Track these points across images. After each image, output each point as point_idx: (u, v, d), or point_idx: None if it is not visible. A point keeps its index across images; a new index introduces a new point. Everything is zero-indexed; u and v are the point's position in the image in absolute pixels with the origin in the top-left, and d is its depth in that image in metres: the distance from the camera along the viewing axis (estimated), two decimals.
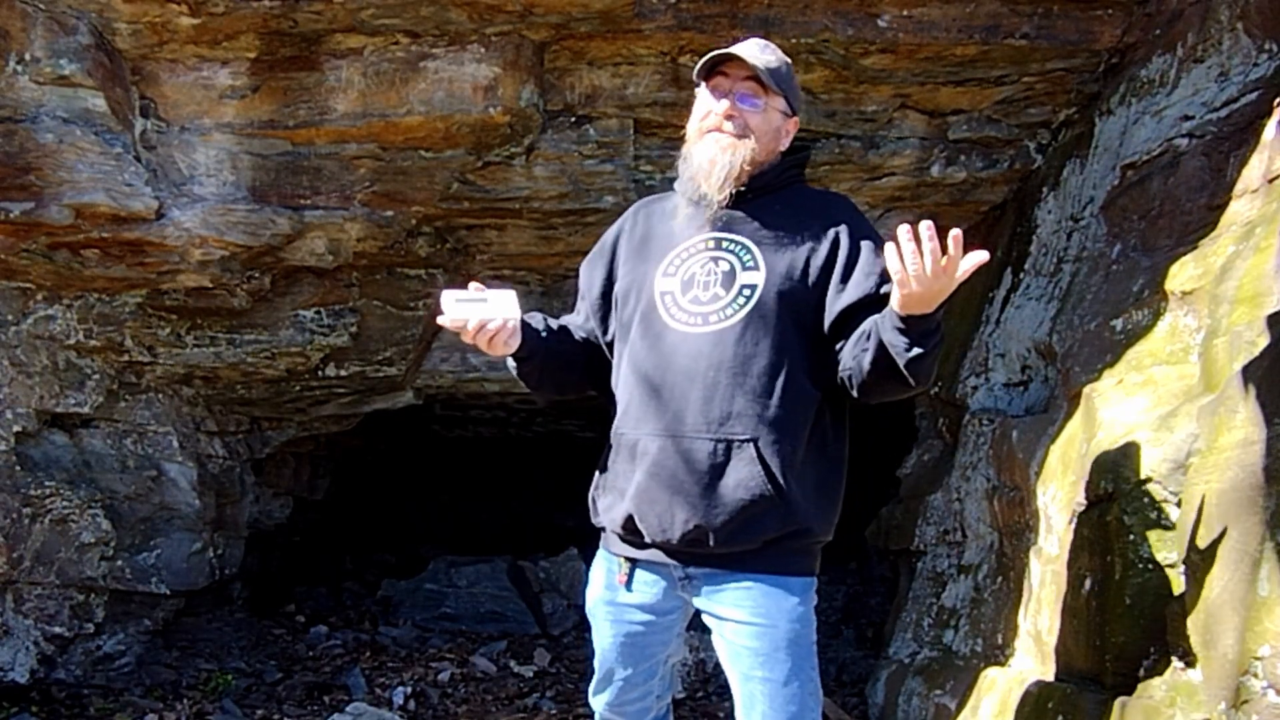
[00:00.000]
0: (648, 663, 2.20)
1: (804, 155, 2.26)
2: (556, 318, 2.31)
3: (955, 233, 1.75)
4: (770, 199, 2.12)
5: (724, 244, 2.08)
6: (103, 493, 4.09)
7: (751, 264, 2.04)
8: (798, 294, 2.03)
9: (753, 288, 2.02)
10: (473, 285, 2.03)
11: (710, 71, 2.10)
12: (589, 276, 2.32)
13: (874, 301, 1.98)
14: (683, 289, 2.08)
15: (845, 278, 2.02)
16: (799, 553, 2.06)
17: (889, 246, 1.80)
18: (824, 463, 2.08)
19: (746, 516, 1.98)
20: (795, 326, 2.02)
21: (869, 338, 1.94)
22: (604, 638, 2.20)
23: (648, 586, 2.12)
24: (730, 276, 2.04)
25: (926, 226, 1.74)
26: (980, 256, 1.79)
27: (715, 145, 2.06)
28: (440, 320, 2.01)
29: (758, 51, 2.09)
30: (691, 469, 2.00)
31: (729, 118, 2.06)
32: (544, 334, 2.17)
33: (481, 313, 1.99)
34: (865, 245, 2.04)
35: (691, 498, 1.99)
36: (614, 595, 2.16)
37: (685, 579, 2.08)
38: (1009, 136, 3.78)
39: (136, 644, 4.36)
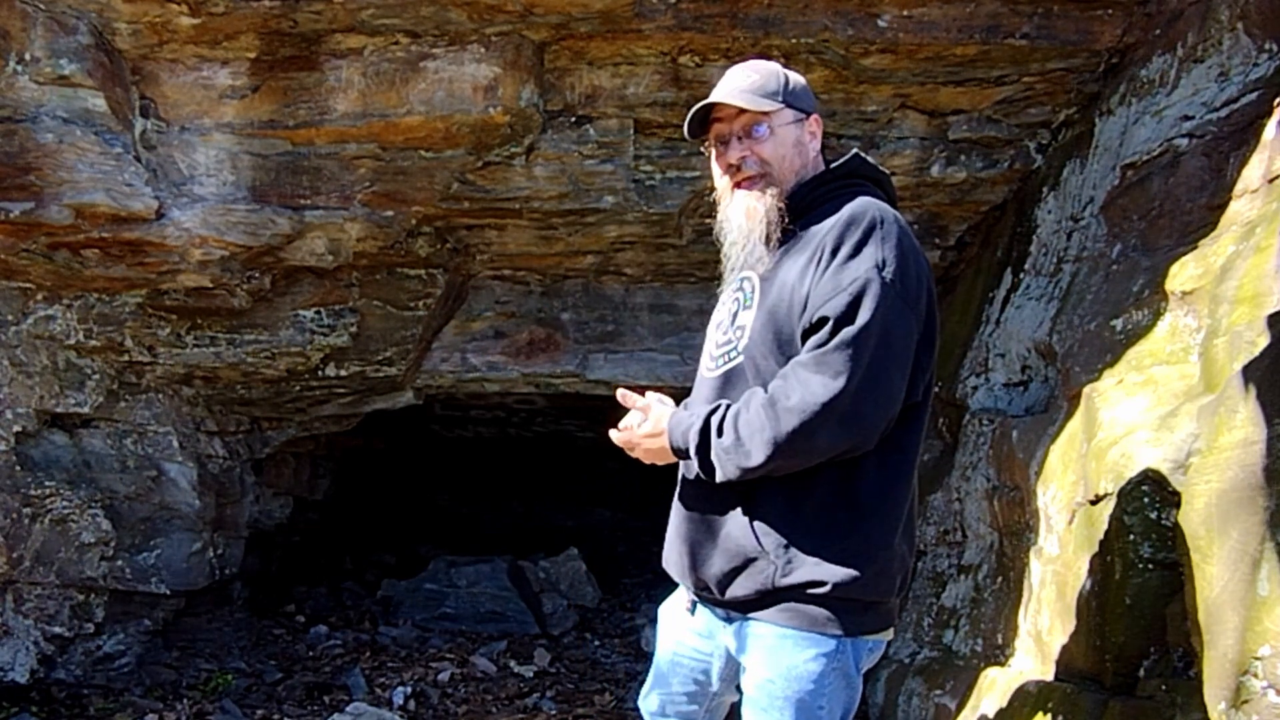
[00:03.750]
0: (692, 687, 2.17)
1: (847, 164, 2.04)
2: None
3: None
4: (800, 224, 1.97)
5: (744, 284, 2.02)
6: (103, 493, 4.09)
7: (750, 303, 1.96)
8: (782, 331, 1.89)
9: (742, 329, 1.96)
10: (619, 393, 2.13)
11: (705, 124, 2.02)
12: None
13: (818, 325, 1.82)
14: (714, 333, 2.09)
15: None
16: (810, 605, 1.87)
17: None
18: (843, 507, 1.87)
19: (734, 568, 1.92)
20: (780, 364, 1.88)
21: None
22: (659, 645, 2.22)
23: (704, 619, 2.11)
24: (734, 318, 2.00)
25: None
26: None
27: (747, 199, 1.97)
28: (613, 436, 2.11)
29: (739, 80, 1.99)
30: (693, 517, 2.01)
31: (742, 161, 1.98)
32: None
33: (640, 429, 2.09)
34: (834, 263, 1.83)
35: (692, 545, 2.01)
36: (678, 613, 2.18)
37: (727, 620, 2.04)
38: (1009, 136, 3.78)
39: (136, 644, 4.36)
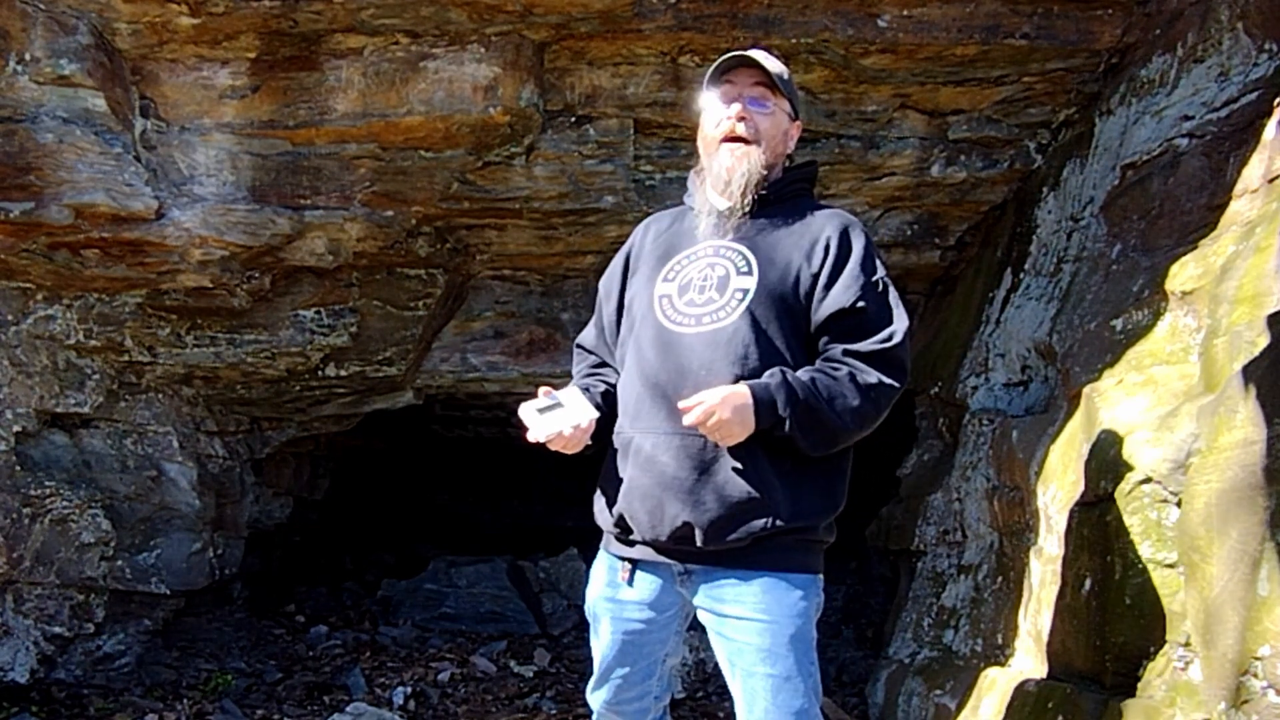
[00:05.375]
0: (646, 661, 2.22)
1: (811, 169, 2.32)
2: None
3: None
4: (775, 209, 2.16)
5: (722, 251, 2.13)
6: (103, 493, 4.09)
7: (746, 270, 2.09)
8: (789, 300, 2.07)
9: (745, 291, 2.06)
10: (542, 391, 2.12)
11: (718, 79, 2.16)
12: (605, 295, 2.37)
13: (850, 313, 2.05)
14: (679, 292, 2.12)
15: (829, 286, 2.08)
16: (796, 549, 2.07)
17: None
18: (819, 462, 2.08)
19: (734, 514, 2.01)
20: (788, 330, 2.07)
21: None
22: (603, 635, 2.22)
23: (647, 585, 2.15)
24: (725, 281, 2.09)
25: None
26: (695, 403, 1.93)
27: (730, 155, 2.12)
28: (531, 437, 2.06)
29: (766, 60, 2.16)
30: (682, 465, 2.03)
31: (741, 120, 2.11)
32: (603, 409, 2.18)
33: (568, 420, 2.07)
34: (852, 258, 2.09)
35: (681, 494, 2.02)
36: (614, 593, 2.18)
37: (685, 574, 2.10)
38: (1009, 136, 3.78)
39: (136, 644, 4.36)
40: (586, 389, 2.24)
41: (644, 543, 2.11)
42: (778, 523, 2.01)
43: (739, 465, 2.00)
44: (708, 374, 2.02)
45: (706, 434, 1.95)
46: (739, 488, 2.00)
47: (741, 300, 2.05)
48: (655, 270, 2.19)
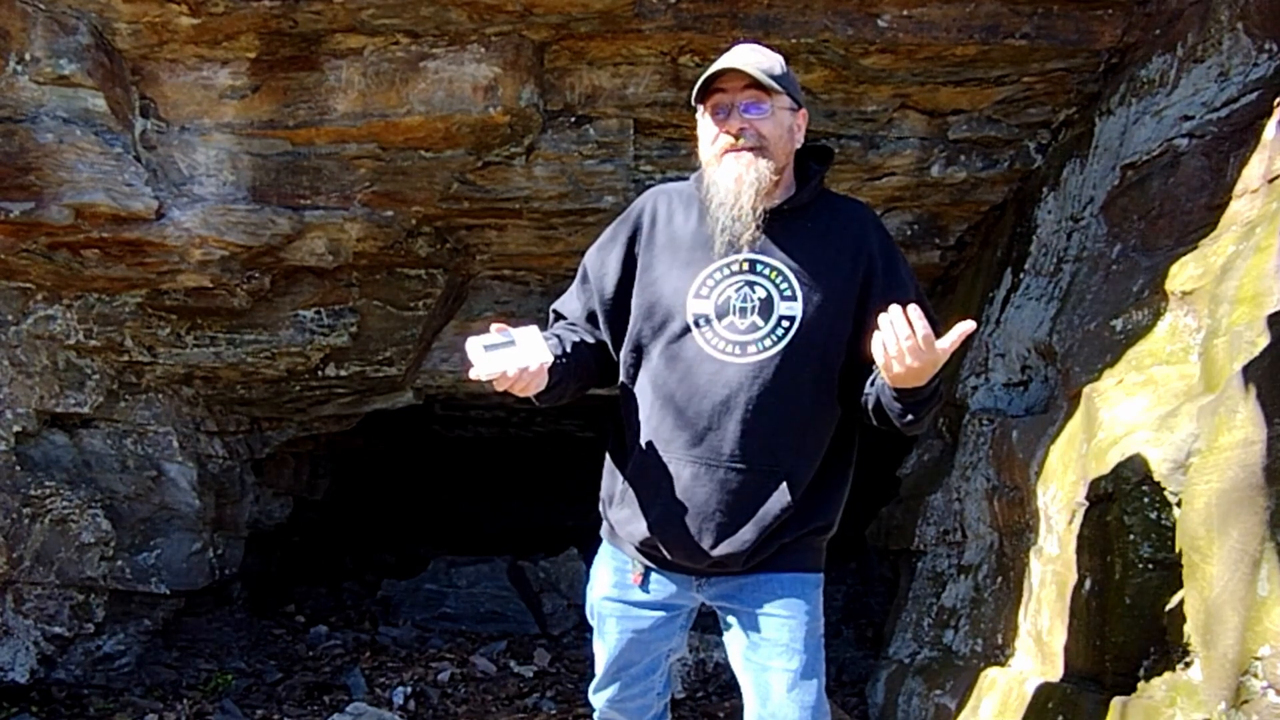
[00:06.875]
0: (650, 657, 2.22)
1: (827, 159, 2.20)
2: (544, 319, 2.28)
3: (965, 326, 1.82)
4: (800, 215, 2.08)
5: (759, 267, 2.03)
6: (103, 493, 4.09)
7: (789, 294, 2.01)
8: (834, 325, 2.04)
9: (791, 320, 2.01)
10: (494, 327, 1.94)
11: (707, 91, 2.02)
12: (599, 270, 2.18)
13: None
14: (717, 314, 2.02)
15: (875, 309, 1.96)
16: (814, 550, 2.14)
17: (875, 335, 1.82)
18: (835, 468, 2.14)
19: (769, 538, 2.04)
20: (830, 356, 2.05)
21: (873, 385, 2.01)
22: (609, 635, 2.20)
23: (660, 588, 2.15)
24: (768, 305, 2.01)
25: (913, 309, 1.78)
26: (966, 327, 1.82)
27: (737, 164, 1.99)
28: (473, 374, 1.88)
29: (749, 55, 2.02)
30: (724, 498, 2.02)
31: (740, 133, 1.99)
32: (563, 360, 2.05)
33: (516, 360, 1.89)
34: (898, 265, 2.10)
35: (721, 526, 2.03)
36: (623, 594, 2.17)
37: (705, 577, 2.12)
38: (1009, 136, 3.78)
39: (136, 644, 4.36)
40: (557, 336, 2.10)
41: (671, 562, 2.11)
42: (803, 530, 2.07)
43: (781, 497, 2.02)
44: (755, 407, 2.00)
45: (911, 353, 1.77)
46: (776, 517, 2.02)
47: (789, 330, 2.00)
48: (683, 278, 2.06)
